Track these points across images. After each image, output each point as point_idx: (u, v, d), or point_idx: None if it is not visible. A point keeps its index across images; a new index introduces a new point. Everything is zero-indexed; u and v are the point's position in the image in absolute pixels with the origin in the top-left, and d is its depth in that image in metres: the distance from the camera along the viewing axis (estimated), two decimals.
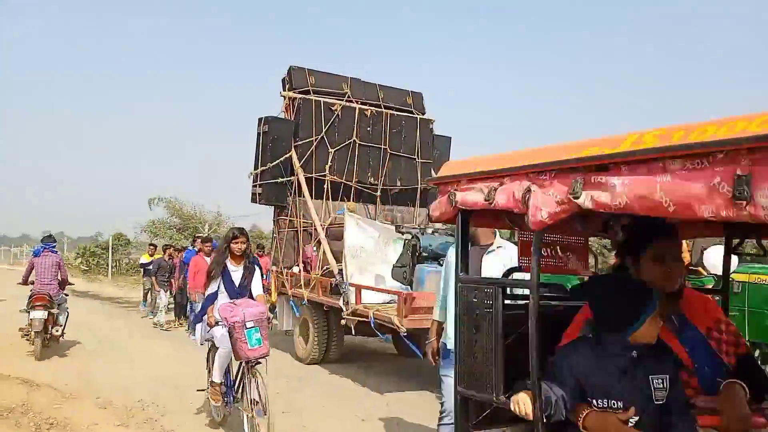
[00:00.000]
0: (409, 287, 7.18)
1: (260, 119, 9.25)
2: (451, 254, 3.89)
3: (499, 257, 3.83)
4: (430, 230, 7.30)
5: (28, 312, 8.25)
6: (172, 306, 12.93)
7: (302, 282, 8.67)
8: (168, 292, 12.44)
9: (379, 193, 9.79)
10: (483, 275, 3.67)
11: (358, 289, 7.28)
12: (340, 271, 7.84)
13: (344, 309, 7.40)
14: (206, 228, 25.07)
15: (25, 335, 8.54)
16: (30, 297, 8.39)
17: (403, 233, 7.38)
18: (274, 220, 9.74)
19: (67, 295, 9.21)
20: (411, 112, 10.26)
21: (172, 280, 12.53)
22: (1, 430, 4.96)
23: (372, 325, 6.84)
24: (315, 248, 9.10)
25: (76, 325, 10.65)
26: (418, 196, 10.19)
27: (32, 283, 8.66)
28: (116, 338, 10.60)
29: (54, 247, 9.04)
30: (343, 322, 7.42)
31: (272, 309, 11.70)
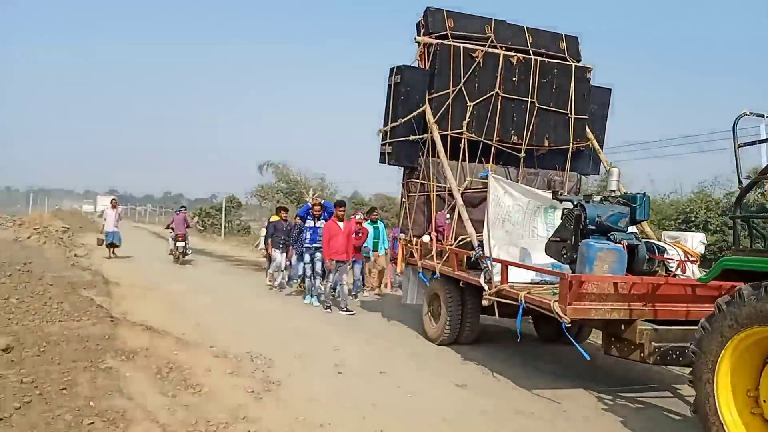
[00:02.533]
0: (567, 266, 5.93)
1: (392, 69, 8.25)
2: None
3: None
4: (597, 197, 5.91)
5: (175, 242, 16.27)
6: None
7: (434, 253, 7.68)
8: (284, 255, 12.04)
9: (523, 154, 8.45)
10: None
11: (505, 265, 6.14)
12: (480, 243, 6.73)
13: (486, 288, 6.32)
14: (311, 192, 25.73)
15: (170, 254, 16.61)
16: (175, 236, 16.25)
17: (561, 200, 6.06)
18: (402, 183, 8.78)
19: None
20: (564, 59, 8.71)
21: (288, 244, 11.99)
22: (127, 369, 5.39)
23: (521, 310, 5.69)
24: (448, 215, 8.06)
25: (194, 282, 12.66)
26: (569, 158, 8.70)
27: (172, 229, 16.55)
28: (229, 294, 11.27)
29: (184, 209, 18.00)
30: (484, 302, 6.34)
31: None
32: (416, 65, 8.34)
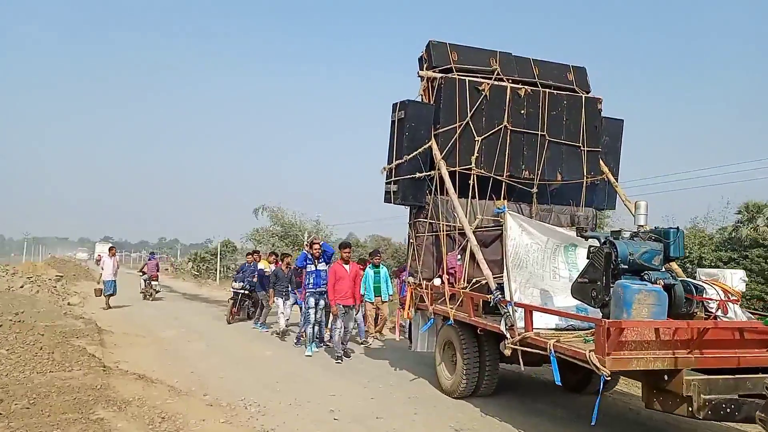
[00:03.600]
0: (592, 309, 5.41)
1: (395, 105, 7.89)
2: None
3: None
4: (626, 233, 5.43)
5: (148, 282, 18.80)
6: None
7: (447, 297, 7.14)
8: (287, 302, 11.52)
9: (535, 190, 8.02)
10: None
11: (529, 310, 5.61)
12: (499, 286, 6.22)
13: (507, 335, 5.77)
14: (306, 236, 26.00)
15: (142, 292, 18.80)
16: (148, 277, 18.82)
17: (587, 237, 5.58)
18: (409, 223, 8.31)
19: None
20: (573, 91, 8.39)
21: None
22: (119, 420, 5.28)
23: (553, 362, 5.13)
24: (459, 256, 7.57)
25: (187, 327, 12.45)
26: (584, 192, 8.27)
27: (144, 272, 19.16)
28: (223, 341, 11.10)
29: (156, 254, 21.93)
30: (506, 352, 5.78)
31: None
32: (420, 100, 7.99)
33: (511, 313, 5.82)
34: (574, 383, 7.30)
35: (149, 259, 19.95)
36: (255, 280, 13.28)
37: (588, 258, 5.47)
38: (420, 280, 7.85)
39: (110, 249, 17.20)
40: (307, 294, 9.63)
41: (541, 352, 5.35)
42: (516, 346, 5.63)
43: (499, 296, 6.07)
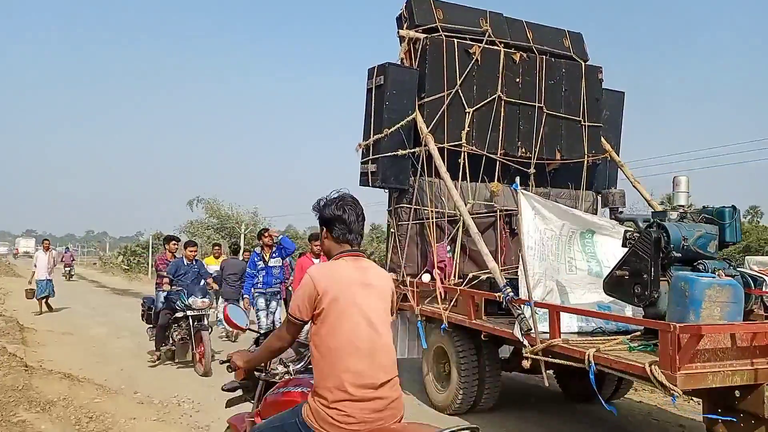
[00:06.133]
0: (639, 307, 4.39)
1: (371, 69, 6.66)
2: None
3: None
4: (674, 214, 4.42)
5: (69, 268, 25.33)
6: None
7: (439, 296, 6.00)
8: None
9: (532, 170, 6.98)
10: None
11: (556, 311, 4.51)
12: (510, 283, 5.13)
13: (526, 343, 4.68)
14: (243, 228, 26.08)
15: (63, 275, 23.07)
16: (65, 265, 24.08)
17: (623, 221, 4.55)
18: (389, 210, 7.11)
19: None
20: (571, 59, 7.40)
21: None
22: (42, 422, 5.07)
23: (591, 378, 4.05)
24: (449, 247, 6.45)
25: (116, 324, 11.80)
26: (585, 173, 7.31)
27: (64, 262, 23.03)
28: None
29: (69, 249, 33.06)
30: (525, 363, 4.68)
31: None
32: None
33: (528, 316, 4.73)
34: (581, 390, 6.31)
35: (65, 252, 26.84)
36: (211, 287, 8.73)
37: (626, 245, 4.44)
38: (403, 276, 6.67)
39: (43, 242, 14.75)
40: (256, 294, 8.11)
41: (573, 364, 4.27)
42: (538, 356, 4.54)
43: (511, 294, 4.96)
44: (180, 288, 7.76)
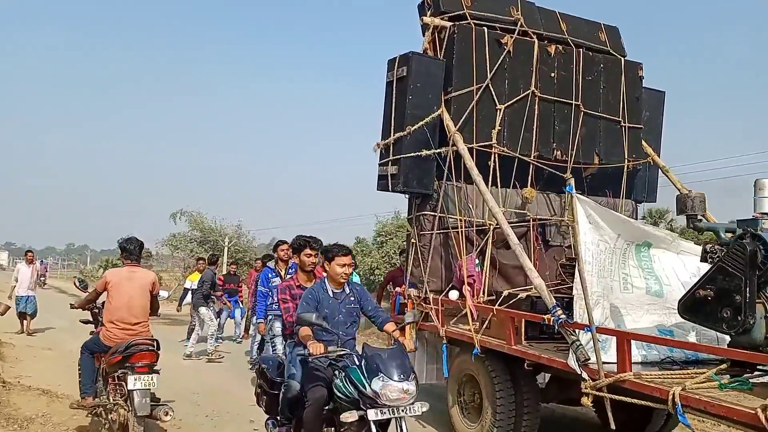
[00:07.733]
0: (726, 334, 3.65)
1: (392, 61, 5.96)
2: None
3: None
4: (766, 222, 3.70)
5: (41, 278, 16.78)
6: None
7: (471, 316, 5.24)
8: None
9: (568, 174, 6.21)
10: None
11: (625, 340, 3.77)
12: (560, 303, 4.39)
13: (585, 376, 3.93)
14: (227, 241, 25.79)
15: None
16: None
17: (703, 230, 3.84)
18: (409, 218, 6.37)
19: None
20: (609, 53, 6.73)
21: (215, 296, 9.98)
22: None
23: (682, 419, 3.30)
24: (478, 261, 5.72)
25: None
26: (624, 178, 6.60)
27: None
28: None
29: (45, 261, 34.47)
30: (585, 401, 3.93)
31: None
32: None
33: (586, 343, 3.99)
34: (623, 423, 5.55)
35: (41, 263, 24.58)
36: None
37: (708, 260, 3.71)
38: (426, 293, 5.92)
39: (26, 254, 13.37)
40: (271, 318, 6.32)
41: (650, 404, 3.52)
42: (603, 393, 3.79)
43: (563, 317, 4.22)
44: (345, 351, 3.85)
